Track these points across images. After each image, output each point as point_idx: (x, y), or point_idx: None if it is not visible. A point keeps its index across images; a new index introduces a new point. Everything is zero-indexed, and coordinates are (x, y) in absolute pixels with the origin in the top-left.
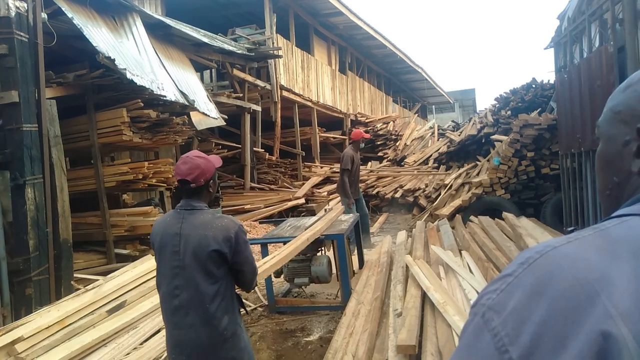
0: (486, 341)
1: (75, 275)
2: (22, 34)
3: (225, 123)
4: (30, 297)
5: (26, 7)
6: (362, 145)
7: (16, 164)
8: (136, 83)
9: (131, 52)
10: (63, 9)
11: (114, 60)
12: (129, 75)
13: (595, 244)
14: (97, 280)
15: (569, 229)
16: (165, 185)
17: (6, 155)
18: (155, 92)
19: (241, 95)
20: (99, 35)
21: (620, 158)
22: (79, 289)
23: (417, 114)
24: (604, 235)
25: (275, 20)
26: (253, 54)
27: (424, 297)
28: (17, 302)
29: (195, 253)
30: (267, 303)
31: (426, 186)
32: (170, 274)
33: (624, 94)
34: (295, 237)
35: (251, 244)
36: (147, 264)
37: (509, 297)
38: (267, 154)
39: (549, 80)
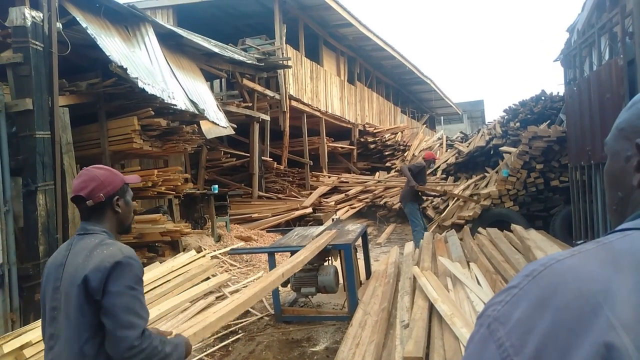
0: (491, 351)
1: None
2: (37, 43)
3: (234, 132)
4: (39, 303)
5: (42, 17)
6: (432, 165)
7: (28, 170)
8: (147, 92)
9: (143, 61)
10: (78, 19)
11: (126, 69)
12: (140, 84)
13: (598, 257)
14: None
15: (579, 242)
16: (174, 193)
17: (19, 162)
18: (166, 101)
19: (250, 104)
20: (112, 45)
21: (623, 173)
22: None
23: (425, 125)
24: (607, 249)
25: (285, 31)
26: (263, 64)
27: (432, 308)
28: (26, 307)
29: (67, 289)
30: (273, 312)
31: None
32: (48, 317)
33: (627, 112)
34: (302, 246)
35: (259, 252)
36: (154, 272)
37: (514, 309)
38: (275, 163)
39: (558, 93)
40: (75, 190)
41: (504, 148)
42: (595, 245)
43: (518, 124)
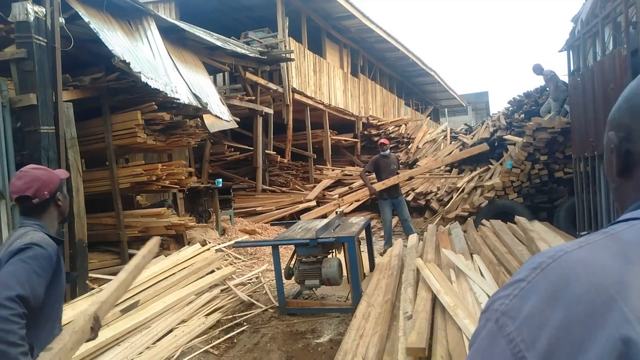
0: (501, 347)
1: (90, 274)
2: (40, 38)
3: (237, 126)
4: None
5: (44, 12)
6: (381, 151)
7: None
8: (150, 86)
9: (146, 55)
10: (80, 13)
11: (129, 63)
12: (143, 79)
13: (607, 248)
14: (111, 280)
15: (582, 233)
16: (178, 187)
17: (24, 157)
18: (169, 95)
19: (253, 98)
20: (115, 39)
21: (611, 165)
22: (93, 288)
23: (429, 117)
24: (616, 240)
25: (287, 23)
26: (265, 57)
27: (435, 300)
28: None
29: None
30: (277, 304)
31: (438, 189)
32: None
33: (615, 105)
34: None
35: (263, 245)
36: (159, 265)
37: (524, 302)
38: (279, 156)
39: (563, 83)
40: (20, 190)
41: (509, 137)
42: (603, 237)
43: (522, 116)
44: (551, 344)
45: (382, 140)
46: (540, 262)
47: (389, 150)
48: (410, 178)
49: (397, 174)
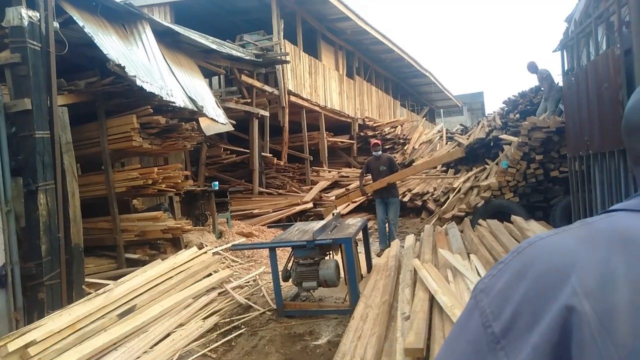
0: (475, 319)
1: (86, 279)
2: (34, 42)
3: (233, 128)
4: (43, 302)
5: (38, 17)
6: (374, 152)
7: (29, 170)
8: (146, 90)
9: (141, 59)
10: (74, 17)
11: (124, 67)
12: (138, 82)
13: (578, 234)
14: (108, 284)
15: None
16: (174, 190)
17: (19, 162)
18: (164, 99)
19: (249, 100)
20: (110, 43)
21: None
22: (90, 293)
23: (425, 118)
24: (588, 228)
25: (282, 26)
26: (261, 59)
27: (432, 300)
28: (29, 306)
29: None
30: (275, 307)
31: (435, 190)
32: None
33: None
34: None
35: (260, 248)
36: (157, 269)
37: (498, 280)
38: (275, 158)
39: (557, 83)
40: None
41: (504, 136)
42: (579, 225)
43: (518, 115)
44: (513, 315)
45: (373, 141)
46: (519, 246)
47: (380, 152)
48: (389, 185)
49: (392, 173)
